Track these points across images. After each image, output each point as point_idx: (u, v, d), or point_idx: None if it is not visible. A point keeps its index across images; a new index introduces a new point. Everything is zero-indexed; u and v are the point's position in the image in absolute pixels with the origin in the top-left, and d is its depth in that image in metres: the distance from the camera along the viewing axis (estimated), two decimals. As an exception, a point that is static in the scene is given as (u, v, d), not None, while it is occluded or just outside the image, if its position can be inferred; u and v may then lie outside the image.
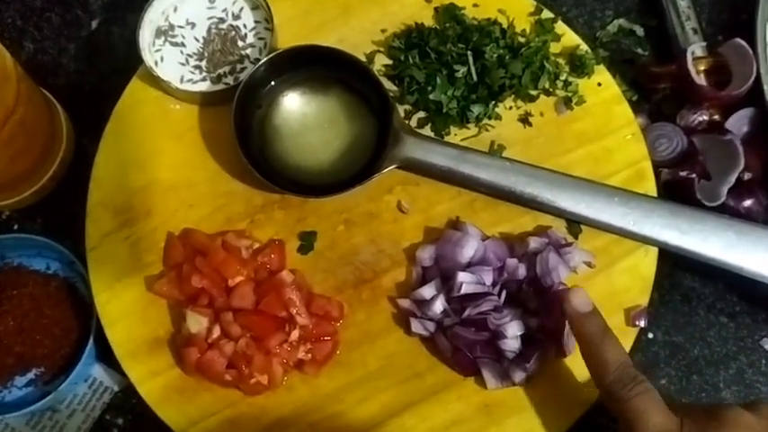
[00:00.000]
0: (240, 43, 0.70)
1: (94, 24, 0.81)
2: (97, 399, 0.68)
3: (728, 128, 0.71)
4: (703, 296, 0.71)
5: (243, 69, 0.69)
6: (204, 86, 0.68)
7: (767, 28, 0.72)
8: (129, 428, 0.67)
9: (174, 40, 0.70)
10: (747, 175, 0.71)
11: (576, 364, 0.59)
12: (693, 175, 0.69)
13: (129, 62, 0.71)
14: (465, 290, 0.59)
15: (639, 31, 0.79)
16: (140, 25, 0.68)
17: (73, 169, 0.75)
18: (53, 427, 0.67)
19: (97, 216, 0.66)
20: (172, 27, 0.70)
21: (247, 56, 0.69)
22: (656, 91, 0.76)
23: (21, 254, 0.71)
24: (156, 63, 0.69)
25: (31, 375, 0.68)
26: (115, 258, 0.65)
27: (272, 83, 0.67)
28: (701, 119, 0.73)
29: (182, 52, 0.69)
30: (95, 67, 0.79)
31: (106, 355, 0.68)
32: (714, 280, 0.70)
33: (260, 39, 0.70)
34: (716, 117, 0.73)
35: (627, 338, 0.63)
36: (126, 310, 0.63)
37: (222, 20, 0.70)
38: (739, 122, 0.72)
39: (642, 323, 0.63)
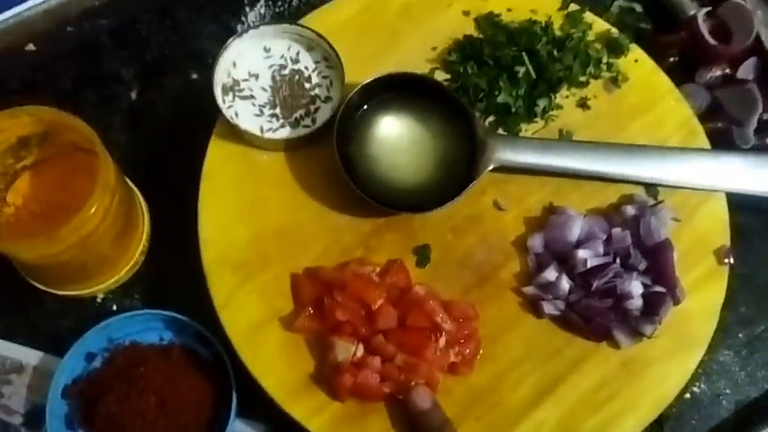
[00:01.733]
0: (307, 85, 0.73)
1: (134, 95, 0.82)
2: (245, 452, 0.70)
3: (741, 77, 0.81)
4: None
5: (317, 110, 0.72)
6: (286, 133, 0.71)
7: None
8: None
9: (242, 93, 0.72)
10: (765, 116, 0.80)
11: (686, 308, 0.68)
12: (732, 126, 0.78)
13: (175, 125, 0.79)
14: (591, 264, 0.65)
15: (638, 7, 0.88)
16: (214, 85, 0.70)
17: (153, 238, 0.76)
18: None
19: (217, 276, 0.67)
20: (237, 82, 0.72)
21: (318, 96, 0.72)
22: (665, 58, 0.85)
23: (128, 333, 0.72)
24: (231, 119, 0.71)
25: (177, 445, 0.69)
26: (247, 312, 0.67)
27: (355, 115, 0.71)
28: (716, 74, 0.82)
29: (254, 104, 0.72)
30: (143, 136, 0.80)
31: (242, 409, 0.70)
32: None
33: (324, 77, 0.73)
34: (727, 71, 0.83)
35: (721, 278, 0.70)
36: (273, 358, 0.65)
37: (283, 66, 0.73)
38: (747, 72, 0.82)
39: (731, 260, 0.71)
